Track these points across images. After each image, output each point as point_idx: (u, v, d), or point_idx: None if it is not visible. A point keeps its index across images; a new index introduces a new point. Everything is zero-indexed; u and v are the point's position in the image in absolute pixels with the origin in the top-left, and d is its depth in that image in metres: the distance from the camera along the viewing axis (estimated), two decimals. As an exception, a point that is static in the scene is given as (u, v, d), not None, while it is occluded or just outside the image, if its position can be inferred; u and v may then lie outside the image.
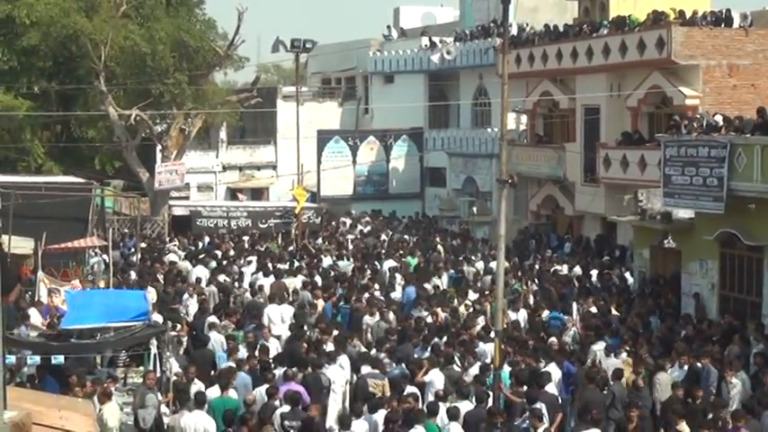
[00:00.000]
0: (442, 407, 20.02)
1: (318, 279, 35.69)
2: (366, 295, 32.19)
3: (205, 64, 52.55)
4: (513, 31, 41.87)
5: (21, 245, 31.34)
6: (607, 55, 41.16)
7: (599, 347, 25.97)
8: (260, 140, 60.75)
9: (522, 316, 29.78)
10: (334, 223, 51.40)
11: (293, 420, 19.87)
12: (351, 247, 43.83)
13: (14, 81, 52.37)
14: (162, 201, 51.32)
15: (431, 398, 21.57)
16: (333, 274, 37.10)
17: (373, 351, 25.71)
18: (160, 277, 35.71)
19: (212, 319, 28.77)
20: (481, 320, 28.68)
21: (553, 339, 27.12)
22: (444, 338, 26.89)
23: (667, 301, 32.84)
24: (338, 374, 22.85)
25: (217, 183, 59.44)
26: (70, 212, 36.00)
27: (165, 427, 19.80)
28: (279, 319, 29.52)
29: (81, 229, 36.18)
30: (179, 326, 27.66)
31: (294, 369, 23.17)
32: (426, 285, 34.04)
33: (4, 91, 51.46)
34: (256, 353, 24.47)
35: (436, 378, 22.58)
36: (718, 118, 33.34)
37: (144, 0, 52.88)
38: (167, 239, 47.22)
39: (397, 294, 33.91)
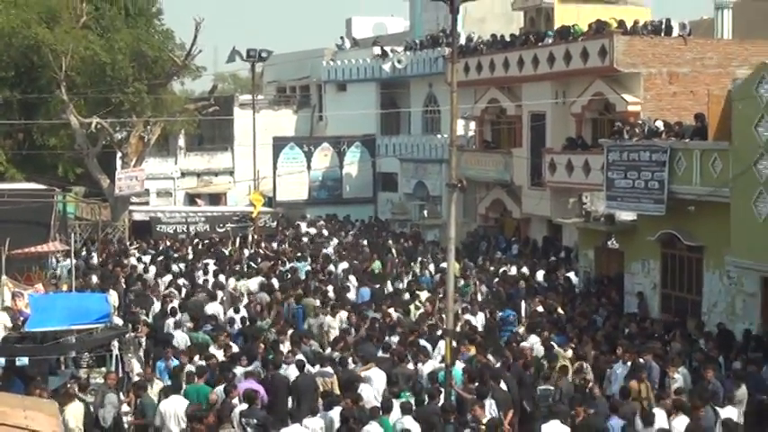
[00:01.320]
0: (396, 403, 19.78)
1: (275, 281, 35.70)
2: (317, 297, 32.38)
3: (163, 73, 52.77)
4: (462, 40, 42.29)
5: (-20, 251, 31.12)
6: (552, 63, 41.31)
7: (532, 342, 26.62)
8: (217, 147, 60.78)
9: (480, 318, 29.80)
10: (293, 228, 51.53)
11: (251, 418, 19.91)
12: (307, 250, 43.93)
13: (-25, 92, 52.41)
14: (122, 206, 51.30)
15: (369, 393, 21.42)
16: (290, 276, 37.24)
17: (328, 350, 25.81)
18: (122, 280, 35.65)
19: (177, 317, 29.09)
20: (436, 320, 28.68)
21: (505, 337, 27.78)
22: (397, 338, 26.86)
23: (611, 299, 33.17)
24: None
25: (175, 188, 59.34)
26: (33, 218, 36.13)
27: (126, 425, 20.04)
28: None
29: (43, 234, 36.33)
30: (139, 327, 28.05)
31: (257, 366, 23.49)
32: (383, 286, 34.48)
33: (-35, 104, 51.65)
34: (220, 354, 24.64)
35: (375, 375, 22.61)
36: (659, 123, 33.79)
37: (104, 11, 52.93)
38: (128, 244, 47.13)
39: (351, 295, 34.01)
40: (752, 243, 27.92)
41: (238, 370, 22.87)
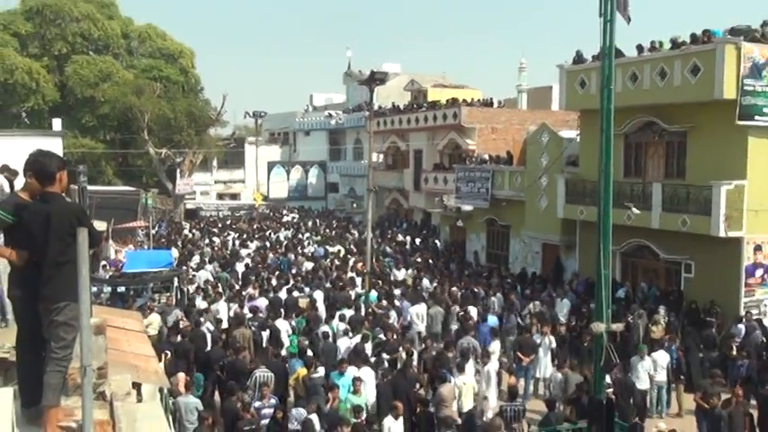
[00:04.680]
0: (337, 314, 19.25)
1: (267, 244, 35.76)
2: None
3: (204, 125, 53.09)
4: (376, 107, 42.72)
5: (98, 225, 31.15)
6: (426, 121, 41.06)
7: (402, 273, 27.26)
8: (235, 167, 60.22)
9: (402, 273, 28.10)
10: (279, 214, 51.34)
11: (254, 321, 19.41)
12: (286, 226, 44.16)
13: (95, 133, 52.15)
14: (180, 200, 51.30)
15: (321, 307, 20.96)
16: (275, 240, 37.23)
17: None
18: (179, 243, 35.87)
19: (206, 266, 29.18)
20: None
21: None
22: (335, 274, 26.70)
23: (459, 255, 33.48)
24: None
25: (211, 190, 58.95)
26: (127, 206, 36.00)
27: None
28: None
29: (134, 216, 36.22)
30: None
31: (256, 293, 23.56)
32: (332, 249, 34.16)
33: (90, 138, 51.30)
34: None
35: (319, 296, 22.11)
36: (486, 156, 34.24)
37: (170, 88, 52.73)
38: (183, 222, 47.21)
39: (310, 249, 33.97)
40: (536, 223, 28.62)
41: (249, 292, 22.96)
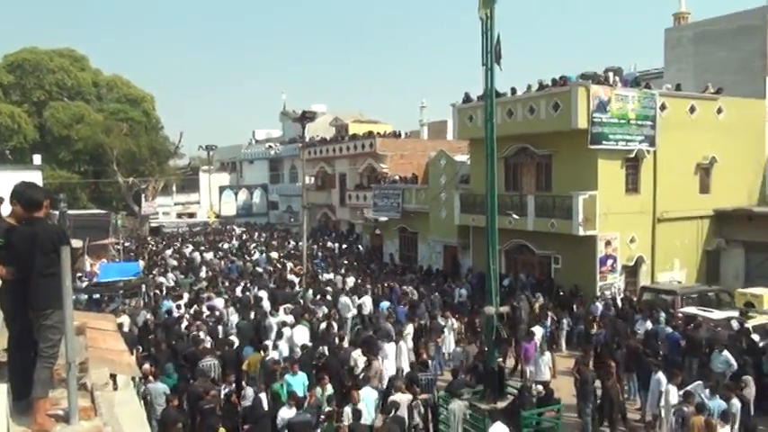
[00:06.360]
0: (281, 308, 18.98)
1: (220, 252, 35.05)
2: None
3: (164, 156, 52.11)
4: (307, 139, 42.47)
5: (76, 243, 30.04)
6: (348, 150, 40.92)
7: (332, 275, 26.41)
8: (191, 191, 58.95)
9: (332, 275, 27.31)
10: (229, 228, 50.57)
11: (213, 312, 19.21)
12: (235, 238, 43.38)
13: (71, 166, 50.21)
14: (145, 220, 49.63)
15: (266, 303, 20.21)
16: (227, 249, 36.63)
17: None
18: (145, 255, 34.78)
19: (169, 273, 28.32)
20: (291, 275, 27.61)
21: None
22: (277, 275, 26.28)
23: (378, 257, 33.36)
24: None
25: (171, 211, 57.27)
26: (100, 226, 34.71)
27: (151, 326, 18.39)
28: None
29: (106, 234, 34.91)
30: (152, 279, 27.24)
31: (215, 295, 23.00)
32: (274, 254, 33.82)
33: (67, 170, 49.49)
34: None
35: (264, 294, 21.62)
36: (397, 177, 34.40)
37: (134, 126, 51.27)
38: (148, 238, 45.61)
39: (256, 256, 33.38)
40: (438, 229, 28.76)
41: (206, 295, 22.32)
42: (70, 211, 35.00)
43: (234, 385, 12.71)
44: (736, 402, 11.13)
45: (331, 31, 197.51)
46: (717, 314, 16.74)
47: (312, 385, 12.83)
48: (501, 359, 13.19)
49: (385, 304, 19.91)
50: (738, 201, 24.30)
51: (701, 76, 27.07)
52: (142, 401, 10.17)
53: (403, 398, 11.78)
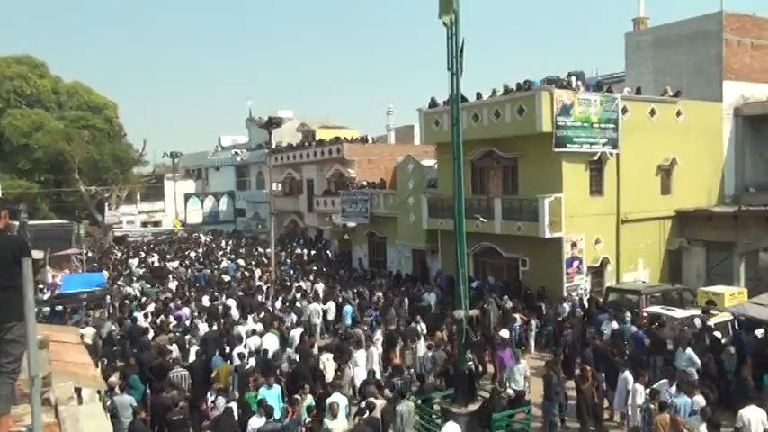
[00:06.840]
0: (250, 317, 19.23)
1: (187, 261, 34.61)
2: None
3: (128, 164, 51.14)
4: (273, 145, 42.13)
5: (37, 254, 29.40)
6: (315, 155, 40.74)
7: (302, 284, 26.16)
8: (156, 199, 58.00)
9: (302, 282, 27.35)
10: (195, 236, 49.93)
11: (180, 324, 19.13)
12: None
13: (30, 175, 48.54)
14: (109, 229, 48.59)
15: (235, 311, 20.28)
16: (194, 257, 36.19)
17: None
18: (110, 265, 34.19)
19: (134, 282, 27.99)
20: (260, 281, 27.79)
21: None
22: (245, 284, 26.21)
23: (347, 262, 33.32)
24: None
25: (136, 219, 56.30)
26: (63, 236, 34.03)
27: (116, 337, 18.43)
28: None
29: (68, 244, 34.23)
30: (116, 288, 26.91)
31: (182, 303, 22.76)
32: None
33: (26, 180, 48.05)
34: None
35: (233, 303, 21.60)
36: (364, 182, 34.37)
37: (96, 134, 50.22)
38: (114, 248, 44.66)
39: (224, 264, 33.18)
40: (407, 234, 28.77)
41: (174, 304, 22.20)
42: (31, 222, 34.16)
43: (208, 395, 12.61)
44: (699, 399, 11.36)
45: (297, 36, 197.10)
46: (680, 313, 17.07)
47: (284, 394, 12.72)
48: (480, 366, 13.15)
49: (348, 309, 19.90)
50: (698, 201, 24.88)
51: (661, 80, 27.68)
52: (108, 415, 10.00)
53: (377, 402, 11.78)
